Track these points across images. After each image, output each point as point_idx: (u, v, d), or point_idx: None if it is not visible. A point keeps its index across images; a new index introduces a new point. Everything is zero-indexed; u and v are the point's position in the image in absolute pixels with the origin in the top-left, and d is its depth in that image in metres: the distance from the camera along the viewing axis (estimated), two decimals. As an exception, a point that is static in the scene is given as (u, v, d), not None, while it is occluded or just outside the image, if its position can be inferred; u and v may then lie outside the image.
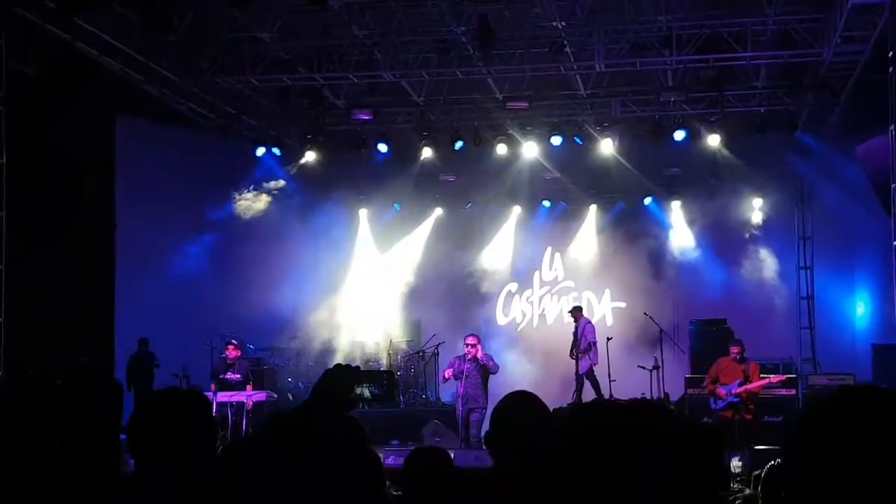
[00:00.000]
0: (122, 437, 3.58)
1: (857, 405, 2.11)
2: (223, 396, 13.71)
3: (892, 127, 11.44)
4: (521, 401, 3.64)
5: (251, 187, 16.86)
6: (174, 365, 14.85)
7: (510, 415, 3.57)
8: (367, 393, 2.81)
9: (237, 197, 16.64)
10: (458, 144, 16.44)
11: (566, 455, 2.24)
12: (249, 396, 13.94)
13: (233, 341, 14.43)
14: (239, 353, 14.35)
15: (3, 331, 12.30)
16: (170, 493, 2.71)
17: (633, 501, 2.10)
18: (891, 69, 11.40)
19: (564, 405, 15.06)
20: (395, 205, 19.07)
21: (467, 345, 13.32)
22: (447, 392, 16.80)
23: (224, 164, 16.80)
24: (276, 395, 15.01)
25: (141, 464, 2.83)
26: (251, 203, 16.72)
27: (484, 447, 12.44)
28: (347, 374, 2.79)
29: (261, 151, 16.65)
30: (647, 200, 18.58)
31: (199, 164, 16.29)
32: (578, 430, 2.27)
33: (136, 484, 2.83)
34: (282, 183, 17.11)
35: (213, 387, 13.87)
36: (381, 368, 14.28)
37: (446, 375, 13.83)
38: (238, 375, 14.10)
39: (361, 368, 2.88)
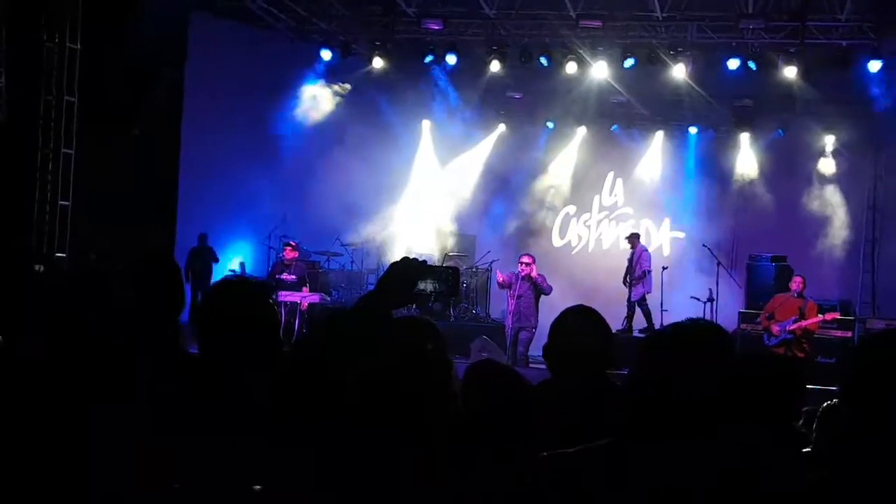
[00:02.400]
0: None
1: None
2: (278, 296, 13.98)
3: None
4: (584, 315, 3.66)
5: (316, 89, 16.82)
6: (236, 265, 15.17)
7: (571, 328, 3.58)
8: (430, 288, 2.80)
9: (303, 98, 16.64)
10: (543, 60, 15.89)
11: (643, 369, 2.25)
12: (304, 297, 14.17)
13: (291, 242, 14.62)
14: (296, 255, 14.55)
15: (68, 214, 12.63)
16: (237, 375, 2.75)
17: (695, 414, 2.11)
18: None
19: (615, 332, 15.05)
20: (462, 119, 18.85)
21: (522, 263, 13.34)
22: (497, 309, 16.92)
23: (292, 66, 16.77)
24: (329, 298, 15.23)
25: (206, 346, 2.87)
26: (316, 105, 16.72)
27: (529, 364, 12.53)
28: (413, 268, 2.78)
29: (328, 55, 16.58)
30: (716, 131, 18.19)
31: (268, 63, 16.28)
32: (655, 349, 2.27)
33: (201, 365, 2.87)
34: (348, 87, 17.05)
35: (268, 286, 14.15)
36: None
37: (499, 280, 13.88)
38: (294, 276, 14.32)
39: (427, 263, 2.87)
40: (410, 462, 2.50)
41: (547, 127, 18.84)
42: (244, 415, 2.63)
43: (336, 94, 16.93)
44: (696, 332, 2.27)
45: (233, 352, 2.75)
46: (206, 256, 15.63)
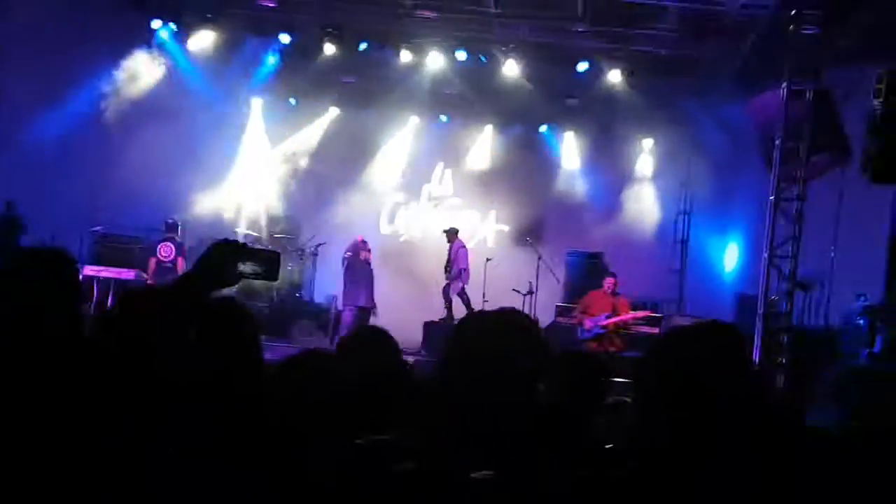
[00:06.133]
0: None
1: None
2: (90, 270, 13.46)
3: (784, 84, 11.76)
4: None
5: (141, 59, 16.15)
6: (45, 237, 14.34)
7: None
8: (249, 269, 2.75)
9: (125, 67, 15.94)
10: (363, 45, 16.15)
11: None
12: (119, 274, 13.72)
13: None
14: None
15: None
16: (25, 364, 2.58)
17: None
18: (791, 27, 11.71)
19: (436, 319, 15.31)
20: (291, 99, 18.63)
21: (367, 250, 13.77)
22: (320, 293, 16.86)
23: (117, 34, 16.02)
24: (145, 276, 14.74)
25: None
26: (139, 75, 16.05)
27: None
28: (232, 249, 2.73)
29: (156, 24, 15.96)
30: (543, 128, 18.69)
31: (90, 30, 15.49)
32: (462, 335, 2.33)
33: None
34: (173, 60, 16.45)
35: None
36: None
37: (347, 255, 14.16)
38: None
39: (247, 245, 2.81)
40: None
41: (379, 113, 18.80)
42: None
43: (161, 66, 16.31)
44: (501, 316, 2.36)
45: (24, 326, 2.58)
46: (12, 225, 14.77)
